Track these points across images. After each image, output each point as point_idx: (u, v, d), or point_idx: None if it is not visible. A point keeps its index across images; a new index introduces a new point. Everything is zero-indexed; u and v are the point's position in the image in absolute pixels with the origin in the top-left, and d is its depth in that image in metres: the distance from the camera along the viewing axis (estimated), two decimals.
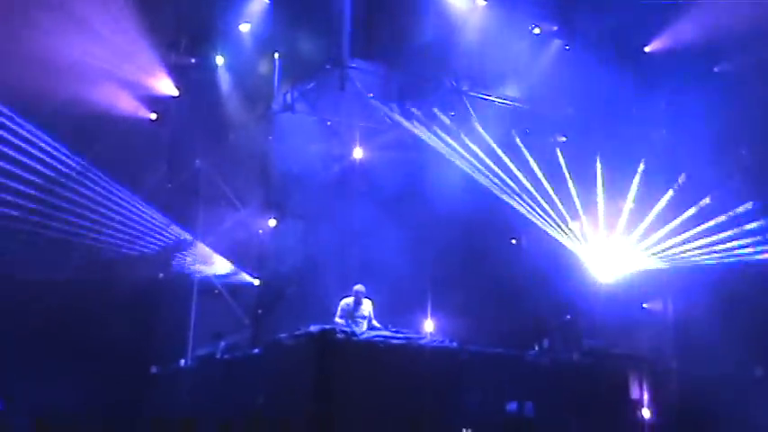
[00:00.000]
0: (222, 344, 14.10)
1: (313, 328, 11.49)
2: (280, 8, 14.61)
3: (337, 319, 12.19)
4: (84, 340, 14.16)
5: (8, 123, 13.15)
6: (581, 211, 14.81)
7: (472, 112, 14.82)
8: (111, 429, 13.13)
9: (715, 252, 13.67)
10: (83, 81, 13.90)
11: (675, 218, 14.13)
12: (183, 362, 15.00)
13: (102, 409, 13.64)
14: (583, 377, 12.52)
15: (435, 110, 14.68)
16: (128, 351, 14.64)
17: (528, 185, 14.67)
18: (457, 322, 14.24)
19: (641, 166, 14.55)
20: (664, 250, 14.28)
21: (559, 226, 14.76)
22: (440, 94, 14.80)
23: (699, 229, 13.81)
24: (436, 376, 11.54)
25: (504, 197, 14.54)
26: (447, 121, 14.72)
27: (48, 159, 13.71)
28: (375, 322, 12.40)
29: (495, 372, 11.93)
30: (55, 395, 13.02)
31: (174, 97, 15.76)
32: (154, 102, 15.63)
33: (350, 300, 12.42)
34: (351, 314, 12.31)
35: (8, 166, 13.28)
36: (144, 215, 14.89)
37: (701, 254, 13.76)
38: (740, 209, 13.35)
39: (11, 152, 13.25)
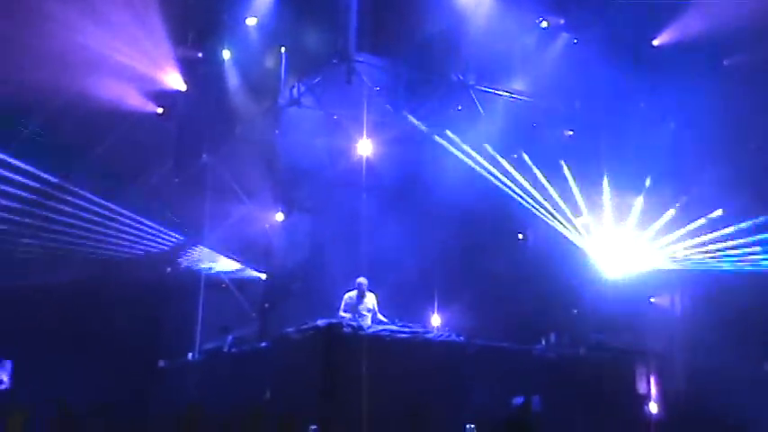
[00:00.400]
0: (229, 338, 14.13)
1: (320, 322, 11.51)
2: (286, 2, 14.59)
3: (341, 313, 12.19)
4: (93, 334, 14.22)
5: None
6: (588, 206, 14.77)
7: (479, 105, 14.79)
8: (118, 423, 13.16)
9: (726, 257, 13.60)
10: (90, 75, 13.91)
11: (685, 218, 14.07)
12: (190, 356, 15.04)
13: (109, 402, 13.68)
14: (589, 372, 12.50)
15: (442, 104, 14.66)
16: (135, 345, 14.69)
17: (535, 180, 14.64)
18: (463, 316, 14.25)
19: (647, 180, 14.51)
20: (673, 251, 14.24)
21: (566, 221, 14.73)
22: (446, 88, 14.77)
23: (710, 236, 13.73)
24: (443, 370, 11.55)
25: (511, 192, 14.51)
26: (453, 115, 14.70)
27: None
28: (380, 316, 12.39)
29: (502, 366, 11.93)
30: (62, 389, 13.05)
31: (180, 91, 15.77)
32: (161, 96, 15.64)
33: (353, 293, 12.42)
34: (354, 307, 12.30)
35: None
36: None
37: (712, 258, 13.69)
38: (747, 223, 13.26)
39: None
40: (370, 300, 12.43)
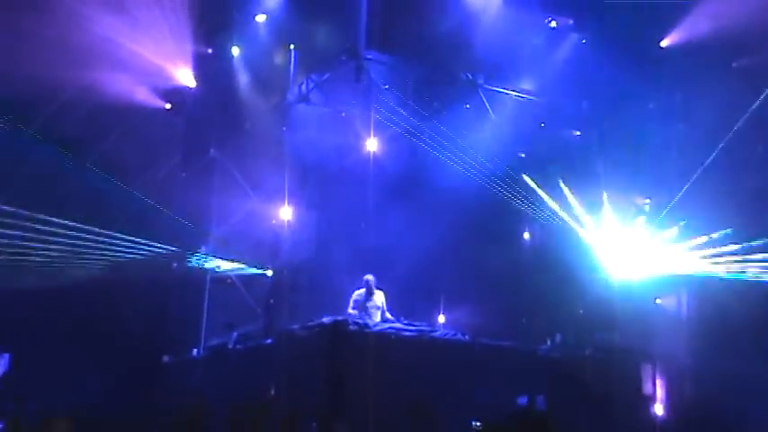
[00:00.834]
0: (234, 334, 14.14)
1: (325, 319, 11.52)
2: None
3: (350, 311, 12.20)
4: (98, 330, 14.23)
5: None
6: (596, 206, 14.75)
7: (488, 105, 14.78)
8: (123, 419, 13.17)
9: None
10: (99, 69, 13.92)
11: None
12: (195, 352, 15.05)
13: (114, 398, 13.70)
14: (595, 372, 12.49)
15: (450, 102, 14.66)
16: (140, 341, 14.71)
17: (543, 179, 14.63)
18: (469, 315, 14.25)
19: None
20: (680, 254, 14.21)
21: (574, 221, 14.72)
22: (455, 87, 14.77)
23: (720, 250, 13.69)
24: (448, 369, 11.54)
25: (519, 190, 14.50)
26: (462, 113, 14.69)
27: None
28: (388, 314, 12.40)
29: (507, 365, 11.92)
30: (67, 385, 13.09)
31: (189, 87, 15.78)
32: (170, 91, 15.65)
33: (361, 291, 12.44)
34: (363, 305, 12.33)
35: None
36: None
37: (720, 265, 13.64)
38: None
39: None
40: (379, 297, 12.45)
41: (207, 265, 15.49)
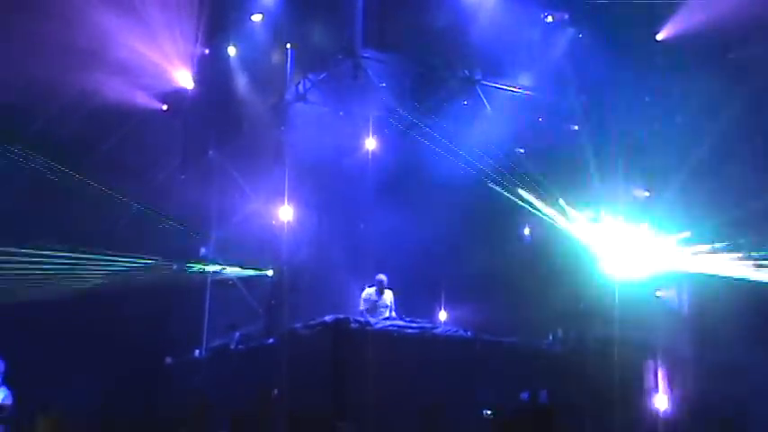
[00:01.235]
0: (236, 334, 14.16)
1: (327, 318, 11.55)
2: None
3: (362, 306, 12.34)
4: (99, 332, 14.23)
5: None
6: (595, 201, 14.75)
7: (485, 101, 14.79)
8: (125, 420, 13.20)
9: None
10: (97, 71, 13.92)
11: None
12: (197, 353, 15.06)
13: (116, 400, 13.72)
14: (596, 366, 12.51)
15: (448, 99, 14.65)
16: (142, 342, 14.71)
17: (542, 175, 14.62)
18: (470, 312, 14.26)
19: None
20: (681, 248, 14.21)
21: (574, 216, 14.71)
22: (452, 84, 14.77)
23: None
24: (450, 366, 11.58)
25: (518, 186, 14.50)
26: (459, 110, 14.69)
27: None
28: (393, 314, 12.49)
29: (510, 361, 11.95)
30: (69, 387, 13.10)
31: (187, 88, 15.77)
32: (167, 93, 15.65)
33: (372, 290, 12.55)
34: (374, 304, 12.47)
35: None
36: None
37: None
38: None
39: None
40: (388, 297, 12.55)
41: (207, 267, 15.51)
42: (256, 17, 15.08)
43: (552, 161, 14.75)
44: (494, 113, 14.77)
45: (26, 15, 12.67)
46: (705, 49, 13.82)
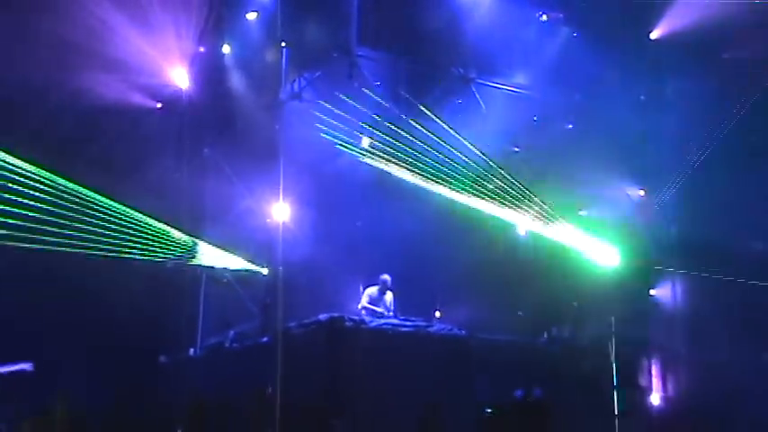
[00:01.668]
0: (231, 333, 14.16)
1: (322, 316, 11.56)
2: None
3: (365, 303, 12.36)
4: (93, 329, 14.21)
5: None
6: (589, 199, 14.80)
7: (480, 99, 14.80)
8: (120, 419, 13.19)
9: None
10: (91, 69, 13.88)
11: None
12: (192, 351, 15.05)
13: (111, 398, 13.70)
14: (591, 364, 12.56)
15: (443, 97, 14.66)
16: (136, 340, 14.70)
17: (537, 172, 14.64)
18: (465, 310, 14.26)
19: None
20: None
21: (568, 214, 14.74)
22: (447, 82, 14.78)
23: None
24: (445, 364, 11.60)
25: (513, 184, 14.51)
26: (454, 108, 14.70)
27: None
28: (390, 314, 12.53)
29: (504, 359, 11.98)
30: (63, 385, 13.07)
31: (182, 86, 15.75)
32: (162, 91, 15.63)
33: (374, 289, 12.61)
34: (375, 303, 12.51)
35: None
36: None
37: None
38: None
39: None
40: (389, 298, 12.61)
41: (202, 265, 15.50)
42: (251, 15, 15.06)
43: (547, 160, 14.78)
44: (488, 112, 14.79)
45: (18, 11, 12.62)
46: (699, 48, 13.86)
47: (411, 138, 14.26)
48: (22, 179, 12.92)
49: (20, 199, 12.69)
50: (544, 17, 15.01)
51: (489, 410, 11.34)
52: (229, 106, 15.50)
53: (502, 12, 14.23)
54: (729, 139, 13.19)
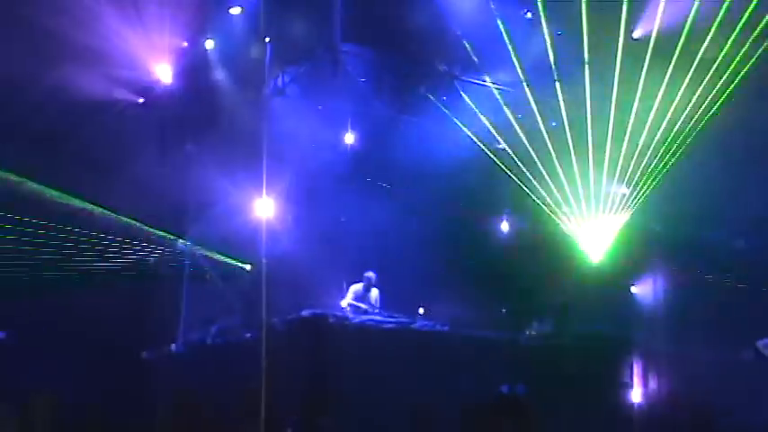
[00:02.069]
0: (213, 328, 14.10)
1: (305, 313, 11.56)
2: None
3: (350, 300, 12.36)
4: (73, 325, 14.12)
5: None
6: (574, 195, 14.87)
7: (465, 96, 14.83)
8: (101, 414, 13.11)
9: None
10: (71, 64, 13.73)
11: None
12: (174, 347, 14.97)
13: (91, 393, 13.61)
14: (573, 360, 12.62)
15: (427, 94, 14.68)
16: (117, 336, 14.61)
17: (521, 169, 14.71)
18: (448, 306, 14.31)
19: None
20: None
21: (552, 209, 14.82)
22: (432, 79, 14.79)
23: None
24: (429, 360, 11.63)
25: (497, 181, 14.58)
26: (438, 105, 14.72)
27: None
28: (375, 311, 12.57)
29: (487, 355, 12.04)
30: (43, 381, 12.97)
31: (164, 81, 15.63)
32: (145, 86, 15.51)
33: (359, 286, 12.63)
34: (360, 300, 12.52)
35: None
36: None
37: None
38: None
39: None
40: (374, 295, 12.62)
41: (184, 260, 15.44)
42: (235, 10, 14.96)
43: (531, 157, 14.84)
44: (473, 109, 14.82)
45: None
46: (680, 47, 13.96)
47: (396, 133, 14.34)
48: None
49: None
50: (528, 15, 15.03)
51: (470, 407, 11.37)
52: (213, 101, 15.41)
53: (486, 9, 14.24)
54: (707, 137, 13.35)
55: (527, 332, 13.83)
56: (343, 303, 12.75)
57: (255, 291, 14.23)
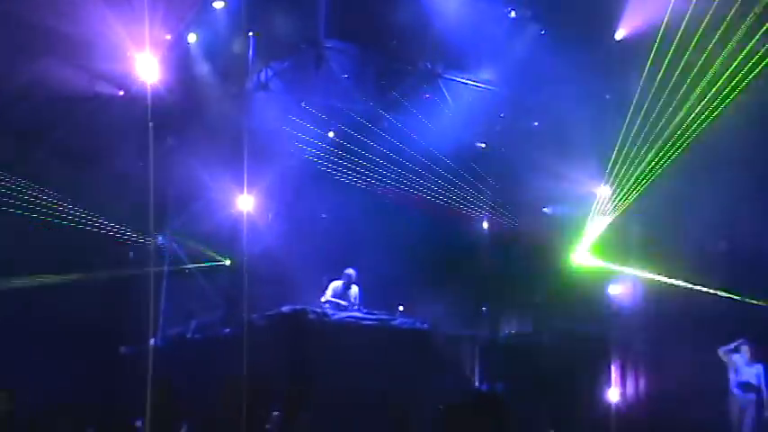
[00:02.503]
0: (193, 323, 14.05)
1: (285, 308, 11.54)
2: None
3: (329, 298, 12.34)
4: (53, 319, 14.00)
5: None
6: (555, 195, 14.93)
7: (447, 94, 14.85)
8: (79, 410, 13.00)
9: None
10: (50, 57, 13.61)
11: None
12: (153, 341, 14.87)
13: (70, 389, 13.51)
14: (551, 359, 12.70)
15: (410, 92, 14.69)
16: (97, 331, 14.51)
17: (502, 168, 14.75)
18: (428, 304, 14.34)
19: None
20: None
21: (532, 211, 14.87)
22: (415, 77, 14.81)
23: None
24: (408, 357, 11.66)
25: (478, 180, 14.61)
26: (421, 103, 14.73)
27: None
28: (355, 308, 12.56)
29: (466, 353, 12.08)
30: (21, 376, 12.85)
31: (146, 74, 15.49)
32: (126, 79, 15.38)
33: (339, 283, 12.61)
34: (339, 297, 12.50)
35: None
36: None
37: None
38: None
39: None
40: (354, 292, 12.61)
41: (164, 255, 15.36)
42: (218, 4, 14.86)
43: (513, 156, 14.89)
44: (455, 107, 14.84)
45: None
46: (661, 47, 14.01)
47: (378, 130, 14.33)
48: None
49: None
50: (512, 14, 15.08)
51: (440, 407, 11.38)
52: (195, 95, 15.32)
53: (471, 7, 14.26)
54: (690, 139, 13.40)
55: (506, 331, 13.90)
56: (323, 300, 12.70)
57: (236, 286, 14.25)
